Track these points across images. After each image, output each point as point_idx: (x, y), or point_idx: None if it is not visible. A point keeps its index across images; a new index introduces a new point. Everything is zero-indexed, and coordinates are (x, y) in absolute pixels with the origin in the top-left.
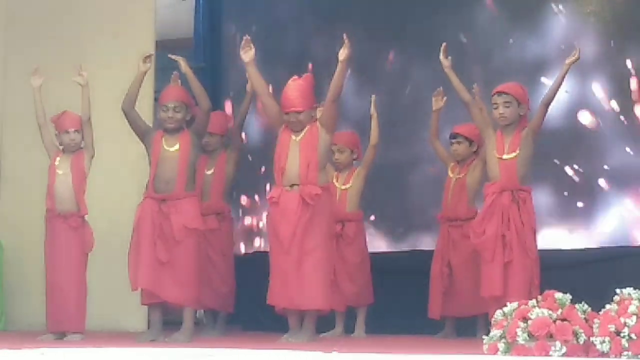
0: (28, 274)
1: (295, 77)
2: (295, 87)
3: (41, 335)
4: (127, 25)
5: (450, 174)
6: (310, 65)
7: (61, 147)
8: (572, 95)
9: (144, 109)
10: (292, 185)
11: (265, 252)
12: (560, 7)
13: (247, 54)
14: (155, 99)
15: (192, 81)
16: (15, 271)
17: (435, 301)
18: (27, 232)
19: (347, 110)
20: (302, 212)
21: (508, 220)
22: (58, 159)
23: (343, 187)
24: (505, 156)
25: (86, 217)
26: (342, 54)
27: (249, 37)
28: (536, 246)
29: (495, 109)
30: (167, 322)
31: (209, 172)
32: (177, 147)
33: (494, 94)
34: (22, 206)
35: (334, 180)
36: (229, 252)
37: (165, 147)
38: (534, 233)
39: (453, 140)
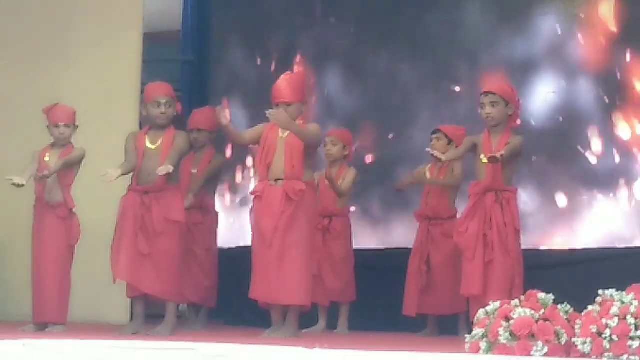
0: (15, 264)
1: (289, 72)
2: (287, 79)
3: (25, 325)
4: (115, 17)
5: (428, 175)
6: (298, 58)
7: (51, 140)
8: (559, 96)
9: (131, 103)
10: (276, 180)
11: (249, 247)
12: (549, 6)
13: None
14: (143, 92)
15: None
16: (1, 261)
17: (411, 298)
18: (15, 222)
19: (336, 108)
20: (286, 207)
21: (490, 220)
22: (48, 154)
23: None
24: (484, 160)
25: (74, 209)
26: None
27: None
28: (519, 246)
29: (482, 108)
30: (150, 315)
31: (195, 171)
32: (159, 143)
33: (481, 93)
34: (9, 196)
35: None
36: (212, 246)
37: (148, 144)
38: (517, 233)
39: (433, 136)
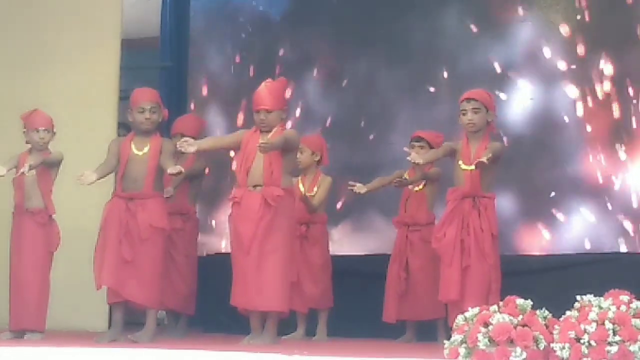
0: None
1: (269, 79)
2: (267, 87)
3: (2, 332)
4: (93, 24)
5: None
6: (276, 65)
7: (29, 147)
8: (537, 102)
9: (109, 110)
10: (255, 186)
11: (228, 254)
12: (527, 14)
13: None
14: (121, 98)
15: None
16: None
17: (391, 305)
18: None
19: (313, 114)
20: (264, 213)
21: (467, 226)
22: (26, 161)
23: (308, 194)
24: (471, 167)
25: (53, 216)
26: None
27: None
28: (496, 252)
29: (464, 115)
30: (129, 322)
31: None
32: (146, 149)
33: (463, 100)
34: None
35: (300, 184)
36: (192, 253)
37: (134, 150)
38: (495, 239)
39: (415, 144)
